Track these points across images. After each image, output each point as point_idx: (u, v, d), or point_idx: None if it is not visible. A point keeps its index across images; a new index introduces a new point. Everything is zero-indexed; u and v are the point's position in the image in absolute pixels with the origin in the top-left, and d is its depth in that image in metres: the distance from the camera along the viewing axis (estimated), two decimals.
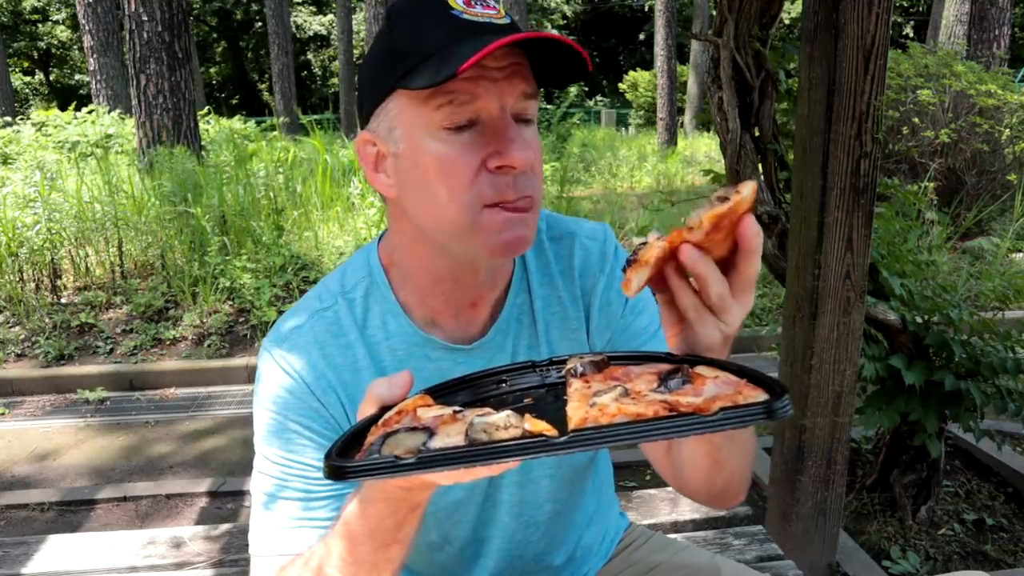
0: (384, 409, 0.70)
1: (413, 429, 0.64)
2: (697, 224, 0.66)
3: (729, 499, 0.99)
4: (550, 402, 0.75)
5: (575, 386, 0.70)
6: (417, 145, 0.87)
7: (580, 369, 0.73)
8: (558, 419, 0.63)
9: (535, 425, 0.62)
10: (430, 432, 0.63)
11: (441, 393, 0.77)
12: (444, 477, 0.67)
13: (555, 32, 0.95)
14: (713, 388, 0.63)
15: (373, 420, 0.68)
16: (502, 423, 0.61)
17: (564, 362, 0.79)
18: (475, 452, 0.58)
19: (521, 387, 0.81)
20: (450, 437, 0.62)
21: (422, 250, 0.96)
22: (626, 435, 0.58)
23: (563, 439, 0.58)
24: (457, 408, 0.68)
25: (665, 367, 0.70)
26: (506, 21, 0.87)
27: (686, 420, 0.57)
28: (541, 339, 1.05)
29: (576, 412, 0.63)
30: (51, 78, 30.30)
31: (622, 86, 22.35)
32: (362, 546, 0.78)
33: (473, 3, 0.86)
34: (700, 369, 0.68)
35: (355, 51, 21.94)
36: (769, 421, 0.55)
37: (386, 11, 0.93)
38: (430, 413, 0.66)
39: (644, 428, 0.58)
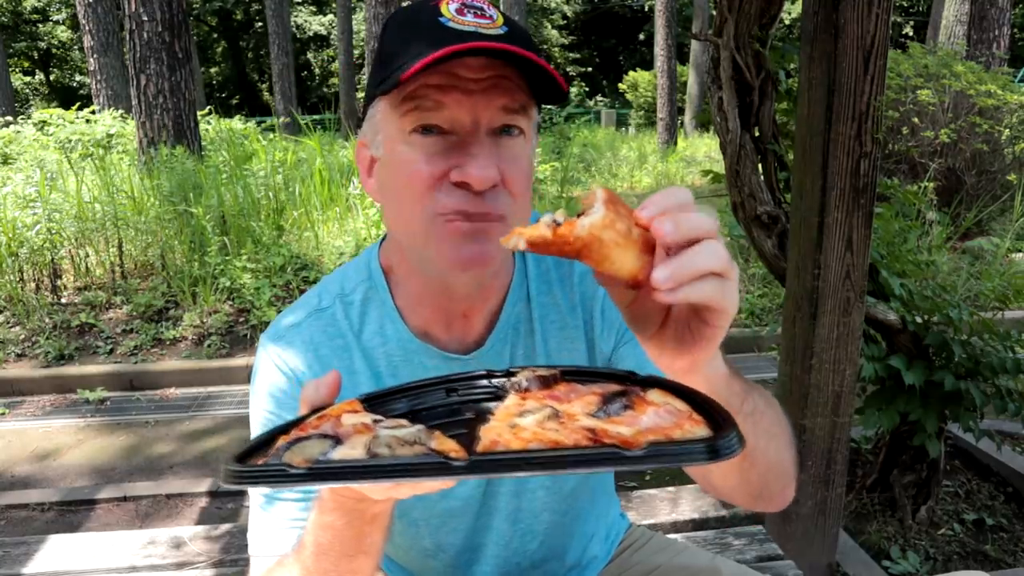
0: (313, 412, 0.67)
1: (324, 436, 0.60)
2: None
3: (773, 498, 0.90)
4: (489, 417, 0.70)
5: (508, 402, 0.66)
6: (392, 150, 0.87)
7: (524, 384, 0.68)
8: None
9: (443, 444, 0.58)
10: (337, 441, 0.60)
11: (379, 400, 0.74)
12: (365, 490, 0.65)
13: (521, 48, 0.76)
14: (650, 419, 0.58)
15: (294, 423, 0.66)
16: (409, 438, 0.58)
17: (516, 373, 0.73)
18: (367, 468, 0.55)
19: (471, 398, 0.76)
20: (354, 449, 0.58)
21: (407, 258, 0.96)
22: (534, 465, 0.53)
23: (462, 463, 0.53)
24: (377, 418, 0.64)
25: (613, 388, 0.65)
26: (499, 31, 0.83)
27: (604, 454, 0.52)
28: (538, 348, 1.03)
29: (488, 434, 0.58)
30: (51, 78, 30.30)
31: (622, 86, 22.34)
32: (325, 556, 0.77)
33: (465, 12, 0.83)
34: (651, 395, 0.63)
35: (355, 51, 21.94)
36: (711, 462, 0.51)
37: (390, 14, 0.93)
38: (352, 420, 0.63)
39: (555, 459, 0.53)
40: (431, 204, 0.84)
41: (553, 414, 0.61)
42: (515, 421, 0.60)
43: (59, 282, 5.59)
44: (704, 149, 14.58)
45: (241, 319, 5.28)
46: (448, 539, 1.08)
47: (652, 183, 11.01)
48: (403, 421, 0.63)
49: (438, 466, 0.54)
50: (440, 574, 1.13)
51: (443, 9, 0.83)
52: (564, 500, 1.11)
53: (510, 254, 0.93)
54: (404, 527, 1.05)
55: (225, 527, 2.25)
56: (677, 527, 2.20)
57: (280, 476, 0.56)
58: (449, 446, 0.58)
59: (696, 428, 0.56)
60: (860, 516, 2.79)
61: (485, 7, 0.85)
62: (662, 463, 0.52)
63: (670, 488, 2.52)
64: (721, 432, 0.53)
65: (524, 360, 1.03)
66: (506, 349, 1.03)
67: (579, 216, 0.59)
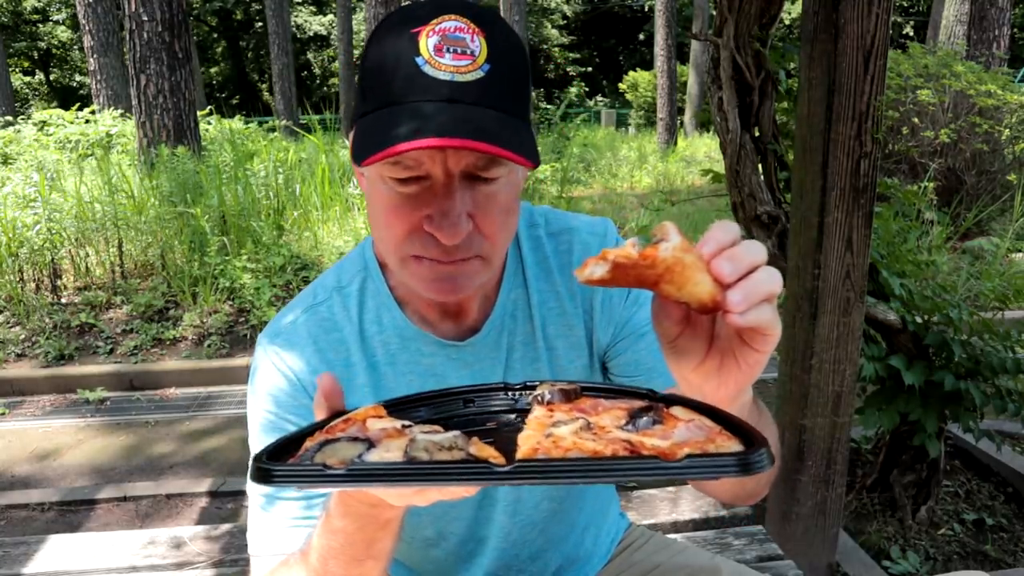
0: (336, 415, 0.67)
1: (355, 439, 0.60)
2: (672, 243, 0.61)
3: (757, 495, 0.96)
4: (512, 428, 0.69)
5: (536, 413, 0.66)
6: (372, 180, 0.87)
7: (547, 396, 0.68)
8: (513, 447, 0.59)
9: (482, 450, 0.58)
10: (370, 444, 0.59)
11: (401, 407, 0.74)
12: (390, 495, 0.65)
13: (487, 143, 0.76)
14: (683, 433, 0.59)
15: (318, 426, 0.65)
16: (446, 443, 0.57)
17: (536, 387, 0.74)
18: (408, 471, 0.54)
19: (488, 410, 0.76)
20: (389, 452, 0.58)
21: None
22: (576, 472, 0.54)
23: (506, 469, 0.53)
24: (406, 423, 0.64)
25: (638, 404, 0.66)
26: (474, 76, 0.79)
27: (646, 464, 0.53)
28: (538, 334, 1.04)
29: (527, 441, 0.58)
30: (51, 78, 30.30)
31: (622, 86, 22.34)
32: (334, 559, 0.77)
33: (443, 52, 0.79)
34: (675, 410, 0.64)
35: (355, 51, 21.91)
36: (742, 475, 0.52)
37: (374, 28, 0.90)
38: (379, 425, 0.63)
39: (596, 467, 0.53)
40: (407, 247, 0.86)
41: (586, 425, 0.61)
42: (550, 431, 0.60)
43: (59, 282, 5.59)
44: (704, 149, 14.58)
45: (241, 319, 5.28)
46: (451, 527, 1.09)
47: (652, 183, 11.01)
48: (437, 427, 0.63)
49: (481, 471, 0.54)
50: (442, 564, 1.13)
51: (421, 46, 0.79)
52: (563, 488, 1.12)
53: (505, 254, 0.94)
54: (407, 516, 1.06)
55: (225, 527, 2.25)
56: (677, 527, 2.20)
57: (317, 476, 0.55)
58: (488, 452, 0.58)
59: (729, 443, 0.57)
60: (860, 516, 2.79)
61: (468, 40, 0.80)
62: (699, 475, 0.53)
63: (670, 488, 2.52)
64: (752, 448, 0.55)
65: (522, 346, 1.03)
66: (503, 336, 1.03)
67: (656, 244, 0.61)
